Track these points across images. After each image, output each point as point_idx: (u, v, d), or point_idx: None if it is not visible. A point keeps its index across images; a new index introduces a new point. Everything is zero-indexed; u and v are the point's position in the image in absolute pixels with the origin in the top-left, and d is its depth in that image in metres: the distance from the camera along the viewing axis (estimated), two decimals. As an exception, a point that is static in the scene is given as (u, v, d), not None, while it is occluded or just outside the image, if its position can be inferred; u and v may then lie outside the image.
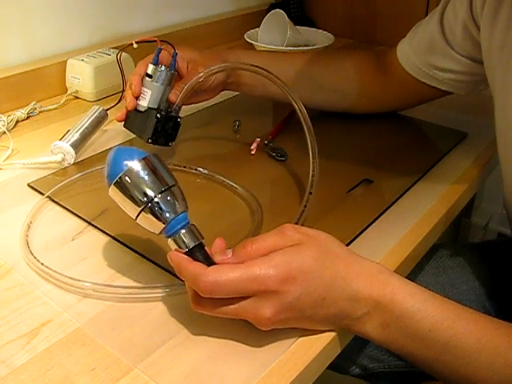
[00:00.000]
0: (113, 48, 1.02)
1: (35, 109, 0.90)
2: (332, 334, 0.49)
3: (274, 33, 1.24)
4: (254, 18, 1.31)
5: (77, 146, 0.75)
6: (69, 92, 0.96)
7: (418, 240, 0.62)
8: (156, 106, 0.74)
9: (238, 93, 0.91)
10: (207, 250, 0.47)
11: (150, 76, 0.73)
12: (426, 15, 0.81)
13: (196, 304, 0.46)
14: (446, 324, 0.45)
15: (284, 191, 0.70)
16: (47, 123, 0.88)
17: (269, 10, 1.29)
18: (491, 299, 0.79)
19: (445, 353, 0.45)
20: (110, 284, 0.53)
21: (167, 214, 0.47)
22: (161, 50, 0.74)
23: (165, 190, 0.47)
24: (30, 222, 0.62)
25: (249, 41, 1.22)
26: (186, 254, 0.46)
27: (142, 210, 0.47)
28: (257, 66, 0.67)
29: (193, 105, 0.83)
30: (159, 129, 0.73)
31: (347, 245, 0.59)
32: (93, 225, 0.63)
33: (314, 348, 0.47)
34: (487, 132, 0.83)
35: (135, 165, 0.47)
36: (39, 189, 0.69)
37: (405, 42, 0.81)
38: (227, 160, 0.78)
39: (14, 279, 0.54)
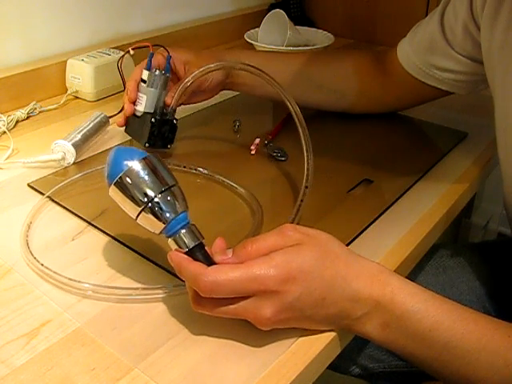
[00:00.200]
0: (113, 48, 1.02)
1: (35, 109, 0.90)
2: (332, 334, 0.49)
3: (274, 33, 1.24)
4: (254, 18, 1.31)
5: (77, 146, 0.75)
6: (69, 92, 0.96)
7: (417, 240, 0.62)
8: (152, 111, 0.75)
9: (238, 93, 0.91)
10: (207, 250, 0.47)
11: (144, 81, 0.74)
12: (426, 15, 0.81)
13: (196, 304, 0.46)
14: (446, 324, 0.45)
15: (284, 191, 0.70)
16: (47, 123, 0.88)
17: (269, 10, 1.29)
18: (491, 299, 0.79)
19: (445, 353, 0.45)
20: (110, 285, 0.53)
21: (167, 214, 0.47)
22: (152, 54, 0.75)
23: (165, 190, 0.47)
24: (30, 222, 0.62)
25: (249, 41, 1.22)
26: (186, 253, 0.46)
27: (142, 209, 0.47)
28: (251, 66, 0.66)
29: (193, 105, 0.83)
30: (155, 133, 0.74)
31: (347, 245, 0.59)
32: (93, 225, 0.62)
33: (314, 348, 0.47)
34: (487, 132, 0.83)
35: (135, 165, 0.47)
36: (39, 189, 0.69)
37: (405, 41, 0.81)
38: (227, 160, 0.78)
39: (14, 279, 0.54)
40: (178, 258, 0.46)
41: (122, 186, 0.47)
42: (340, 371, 0.83)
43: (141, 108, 0.75)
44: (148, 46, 0.75)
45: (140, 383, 0.44)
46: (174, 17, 1.22)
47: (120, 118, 0.78)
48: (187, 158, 0.76)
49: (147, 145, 0.74)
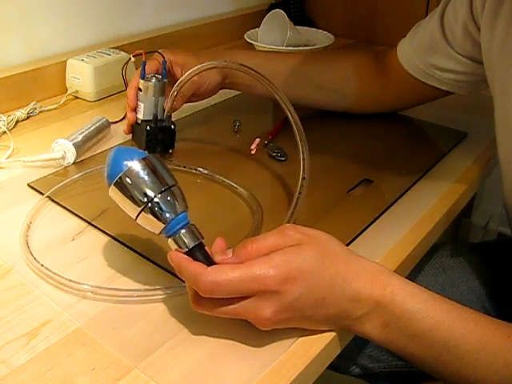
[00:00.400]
0: (113, 48, 1.02)
1: (35, 109, 0.90)
2: (332, 334, 0.49)
3: (274, 33, 1.24)
4: (254, 18, 1.31)
5: (78, 146, 0.75)
6: (69, 92, 0.96)
7: (417, 240, 0.62)
8: (151, 118, 0.76)
9: (238, 93, 0.91)
10: (207, 250, 0.47)
11: (140, 90, 0.75)
12: (426, 15, 0.81)
13: (196, 304, 0.46)
14: (446, 324, 0.45)
15: (284, 191, 0.70)
16: (47, 123, 0.88)
17: (269, 10, 1.29)
18: (491, 299, 0.79)
19: (445, 353, 0.45)
20: (109, 287, 0.53)
21: (167, 214, 0.47)
22: (145, 63, 0.74)
23: (165, 190, 0.47)
24: (30, 222, 0.62)
25: (249, 41, 1.22)
26: (186, 253, 0.46)
27: (142, 210, 0.47)
28: (245, 66, 0.65)
29: (193, 105, 0.83)
30: (152, 140, 0.75)
31: (347, 245, 0.59)
32: (93, 225, 0.62)
33: (314, 348, 0.47)
34: (487, 132, 0.83)
35: (135, 165, 0.47)
36: (39, 189, 0.69)
37: (405, 41, 0.81)
38: (227, 160, 0.78)
39: (13, 279, 0.54)
40: (177, 257, 0.46)
41: (121, 186, 0.47)
42: (340, 371, 0.83)
43: (140, 116, 0.76)
44: (141, 54, 0.75)
45: (140, 383, 0.44)
46: (174, 17, 1.22)
47: (125, 126, 0.79)
48: (187, 158, 0.76)
49: (147, 152, 0.75)
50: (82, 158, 0.77)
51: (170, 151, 0.78)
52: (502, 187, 0.69)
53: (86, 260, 0.57)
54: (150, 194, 0.46)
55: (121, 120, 0.87)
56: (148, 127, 0.74)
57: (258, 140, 0.81)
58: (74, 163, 0.75)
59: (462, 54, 0.74)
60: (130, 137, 0.80)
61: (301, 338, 0.48)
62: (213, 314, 0.46)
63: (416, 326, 0.45)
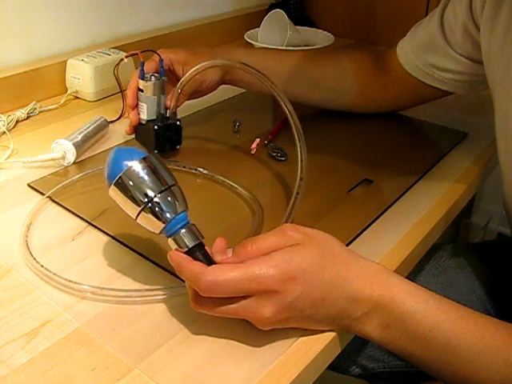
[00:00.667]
0: (113, 48, 1.02)
1: (35, 109, 0.90)
2: (332, 334, 0.49)
3: (274, 33, 1.24)
4: (254, 18, 1.31)
5: (78, 146, 0.75)
6: (69, 92, 0.96)
7: (417, 240, 0.62)
8: (155, 117, 0.76)
9: (238, 93, 0.91)
10: (207, 250, 0.47)
11: (141, 90, 0.75)
12: (426, 15, 0.81)
13: (196, 303, 0.46)
14: (446, 324, 0.45)
15: (284, 191, 0.70)
16: (47, 123, 0.88)
17: (269, 10, 1.29)
18: (491, 299, 0.79)
19: (445, 353, 0.45)
20: (109, 287, 0.53)
21: (167, 214, 0.47)
22: (144, 63, 0.75)
23: (165, 190, 0.47)
24: (30, 223, 0.62)
25: (249, 41, 1.22)
26: (186, 253, 0.46)
27: (142, 209, 0.47)
28: (246, 65, 0.66)
29: (193, 105, 0.83)
30: (161, 139, 0.76)
31: (347, 245, 0.59)
32: (93, 225, 0.62)
33: (313, 348, 0.47)
34: (487, 132, 0.83)
35: (135, 165, 0.47)
36: (39, 189, 0.69)
37: (405, 41, 0.81)
38: (227, 160, 0.78)
39: (13, 279, 0.54)
40: (177, 257, 0.46)
41: (121, 186, 0.47)
42: (340, 371, 0.83)
43: (144, 116, 0.76)
44: (137, 54, 0.76)
45: (140, 383, 0.44)
46: (174, 17, 1.22)
47: (128, 127, 0.79)
48: (187, 158, 0.76)
49: (156, 151, 0.75)
50: (82, 157, 0.77)
51: (178, 147, 0.78)
52: (501, 187, 0.69)
53: (85, 260, 0.57)
54: (150, 193, 0.46)
55: (117, 119, 0.86)
56: (156, 126, 0.75)
57: (258, 140, 0.81)
58: (74, 163, 0.75)
59: (461, 54, 0.74)
60: (129, 136, 0.80)
61: (301, 338, 0.48)
62: (213, 314, 0.46)
63: (416, 326, 0.45)
